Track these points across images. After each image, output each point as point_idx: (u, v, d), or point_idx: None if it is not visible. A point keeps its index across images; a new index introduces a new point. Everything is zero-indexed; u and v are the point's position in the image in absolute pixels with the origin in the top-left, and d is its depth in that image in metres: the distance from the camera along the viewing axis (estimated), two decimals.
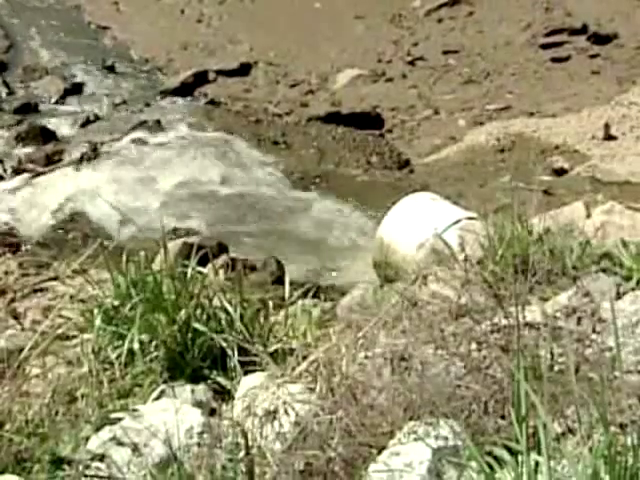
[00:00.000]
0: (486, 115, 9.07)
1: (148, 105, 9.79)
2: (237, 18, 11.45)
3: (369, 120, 9.18)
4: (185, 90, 10.00)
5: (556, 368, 2.62)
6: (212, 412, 2.96)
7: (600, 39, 10.02)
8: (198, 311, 3.31)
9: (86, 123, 9.21)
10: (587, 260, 3.45)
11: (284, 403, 2.70)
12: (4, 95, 9.66)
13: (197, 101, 9.88)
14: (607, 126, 8.21)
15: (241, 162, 8.53)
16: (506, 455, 2.22)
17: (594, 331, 2.84)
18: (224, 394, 3.13)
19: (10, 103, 9.46)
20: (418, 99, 9.54)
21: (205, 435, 2.68)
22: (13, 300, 4.40)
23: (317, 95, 9.83)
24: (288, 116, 9.43)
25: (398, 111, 9.38)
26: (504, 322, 2.83)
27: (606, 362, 2.59)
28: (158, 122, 9.13)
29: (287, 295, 3.61)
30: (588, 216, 4.36)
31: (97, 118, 9.34)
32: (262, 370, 3.04)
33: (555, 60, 9.86)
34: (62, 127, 9.08)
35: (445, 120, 9.15)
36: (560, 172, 7.77)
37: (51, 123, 9.07)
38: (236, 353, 3.19)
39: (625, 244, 3.45)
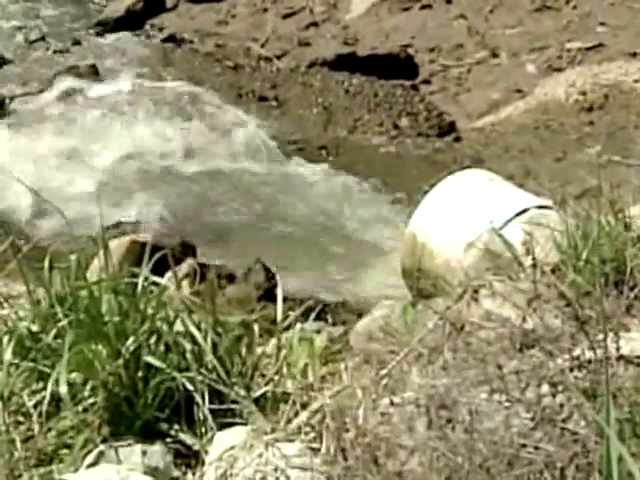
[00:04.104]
0: (567, 57, 9.10)
1: (78, 43, 9.83)
2: None
3: (397, 65, 9.21)
4: (132, 21, 10.04)
5: None
6: None
7: None
8: (153, 339, 3.34)
9: None
10: None
11: (275, 470, 2.74)
12: None
13: (150, 38, 9.92)
14: None
15: (213, 126, 8.56)
16: None
17: None
18: (190, 457, 3.16)
19: None
20: (468, 35, 9.57)
21: None
22: None
23: (322, 29, 9.87)
24: (280, 60, 9.46)
25: (439, 52, 9.41)
26: (589, 355, 2.85)
27: None
28: (93, 67, 9.17)
29: (279, 316, 3.64)
30: None
31: (4, 61, 9.38)
32: (244, 423, 3.07)
33: None
34: None
35: (507, 65, 9.18)
36: None
37: None
38: (207, 399, 3.22)
39: None
